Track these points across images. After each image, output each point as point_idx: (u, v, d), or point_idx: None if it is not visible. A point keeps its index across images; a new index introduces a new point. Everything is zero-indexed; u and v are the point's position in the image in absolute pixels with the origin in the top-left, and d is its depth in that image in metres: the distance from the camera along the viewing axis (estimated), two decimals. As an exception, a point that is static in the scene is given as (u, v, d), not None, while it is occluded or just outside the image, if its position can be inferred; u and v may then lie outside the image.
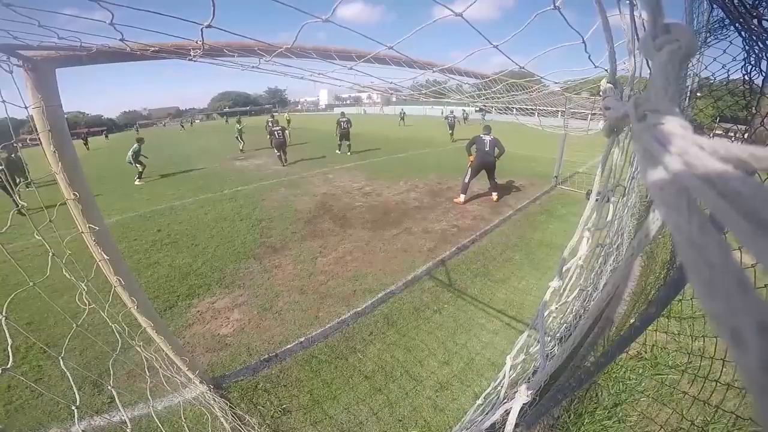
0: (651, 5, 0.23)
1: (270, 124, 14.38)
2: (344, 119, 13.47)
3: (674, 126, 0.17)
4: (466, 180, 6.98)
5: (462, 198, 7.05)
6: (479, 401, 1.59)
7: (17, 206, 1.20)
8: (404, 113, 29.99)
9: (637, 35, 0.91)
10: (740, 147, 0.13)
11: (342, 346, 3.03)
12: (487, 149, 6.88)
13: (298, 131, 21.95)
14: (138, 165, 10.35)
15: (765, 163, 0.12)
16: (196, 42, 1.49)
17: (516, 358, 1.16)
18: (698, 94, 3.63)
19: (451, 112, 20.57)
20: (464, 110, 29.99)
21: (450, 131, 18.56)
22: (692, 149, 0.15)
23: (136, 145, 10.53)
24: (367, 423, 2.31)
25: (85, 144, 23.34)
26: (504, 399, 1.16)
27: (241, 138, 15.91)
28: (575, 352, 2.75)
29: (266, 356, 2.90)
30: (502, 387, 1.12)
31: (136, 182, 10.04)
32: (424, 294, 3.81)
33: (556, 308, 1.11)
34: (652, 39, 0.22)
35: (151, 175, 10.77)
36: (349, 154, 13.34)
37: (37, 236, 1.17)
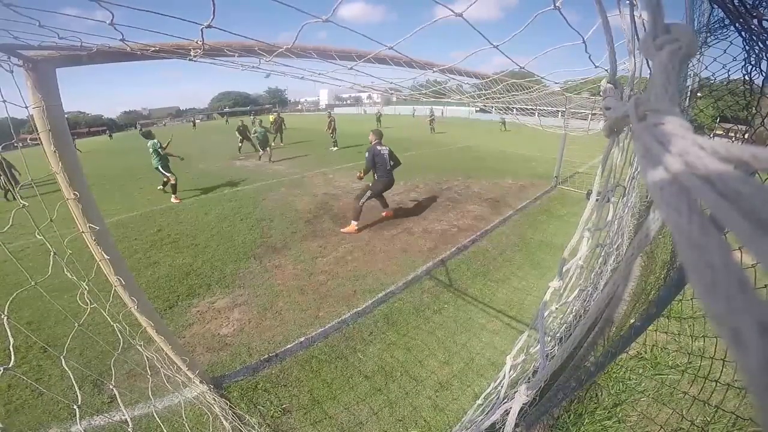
0: (651, 5, 0.23)
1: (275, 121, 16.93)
2: (330, 118, 15.95)
3: (675, 126, 0.17)
4: (361, 203, 5.57)
5: (355, 225, 5.60)
6: (479, 401, 1.59)
7: (20, 204, 1.20)
8: (381, 114, 26.77)
9: (637, 35, 0.91)
10: (741, 147, 0.13)
11: (342, 346, 3.03)
12: (388, 167, 5.62)
13: (290, 131, 21.84)
14: (167, 174, 7.73)
15: (765, 164, 0.12)
16: (196, 42, 1.49)
17: (516, 358, 1.16)
18: (699, 95, 3.62)
19: (431, 111, 24.71)
20: (432, 109, 34.48)
21: (430, 126, 22.78)
22: (693, 149, 0.15)
23: (151, 141, 7.74)
24: (368, 423, 2.31)
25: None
26: (504, 399, 1.16)
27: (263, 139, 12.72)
28: (575, 352, 2.75)
29: (266, 356, 2.90)
30: (502, 387, 1.12)
31: (173, 200, 7.56)
32: (424, 294, 3.81)
33: (557, 308, 1.11)
34: (653, 39, 0.22)
35: (149, 175, 10.71)
36: (336, 149, 15.27)
37: (38, 236, 1.17)
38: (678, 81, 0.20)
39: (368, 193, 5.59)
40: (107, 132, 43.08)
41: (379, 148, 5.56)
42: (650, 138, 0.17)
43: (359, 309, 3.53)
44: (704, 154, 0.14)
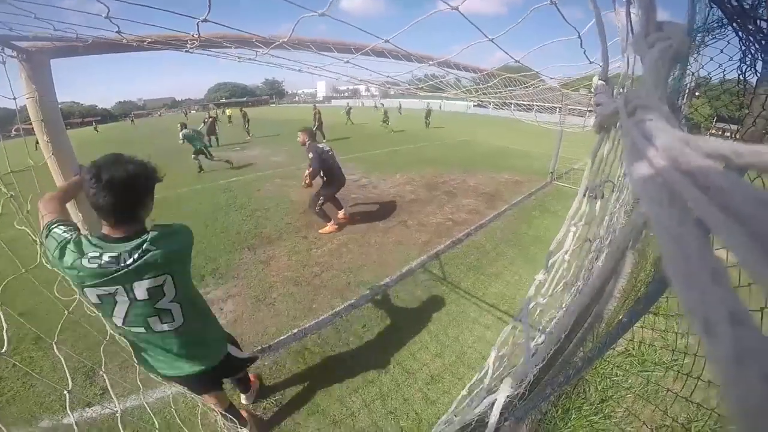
0: (645, 3, 0.23)
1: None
2: (315, 110, 15.52)
3: (662, 122, 0.17)
4: (318, 209, 5.12)
5: (333, 225, 5.27)
6: (464, 392, 1.61)
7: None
8: (350, 107, 23.62)
9: (632, 32, 0.91)
10: (723, 143, 0.14)
11: (335, 338, 3.04)
12: (339, 166, 5.16)
13: (290, 123, 21.67)
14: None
15: (745, 159, 0.12)
16: (192, 35, 1.47)
17: (500, 350, 1.17)
18: (696, 93, 3.64)
19: (428, 104, 23.82)
20: (400, 102, 36.42)
21: (426, 120, 21.67)
22: (677, 145, 0.15)
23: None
24: (360, 414, 2.34)
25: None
26: (489, 390, 1.17)
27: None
28: (563, 347, 2.79)
29: (259, 348, 2.91)
30: (486, 378, 1.13)
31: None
32: (418, 287, 3.83)
33: (544, 302, 1.12)
34: (645, 36, 0.22)
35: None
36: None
37: (17, 226, 1.16)
38: (668, 78, 0.20)
39: (321, 199, 5.07)
40: (93, 124, 39.43)
41: (321, 146, 4.93)
42: (637, 133, 0.17)
43: (353, 301, 3.55)
44: (688, 150, 0.14)
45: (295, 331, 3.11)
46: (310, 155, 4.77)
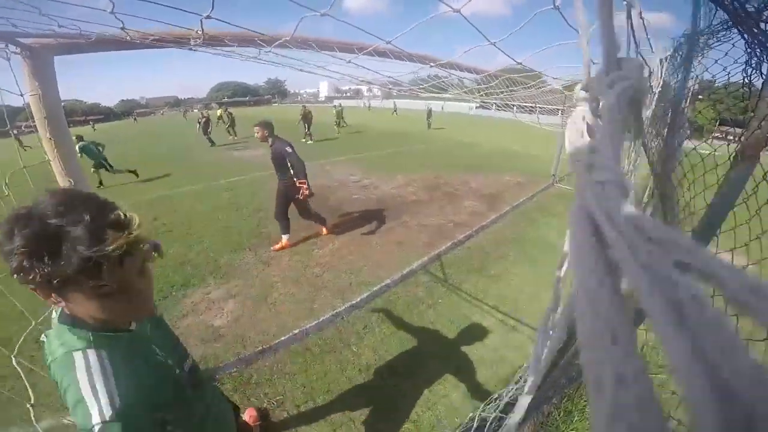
0: (606, 35, 0.22)
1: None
2: (304, 110, 15.46)
3: (614, 188, 0.17)
4: (314, 211, 4.87)
5: (324, 229, 5.15)
6: (484, 406, 1.61)
7: None
8: (340, 107, 20.21)
9: (634, 38, 0.90)
10: (671, 232, 0.14)
11: (336, 339, 3.05)
12: None
13: (292, 124, 21.68)
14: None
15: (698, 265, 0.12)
16: (196, 32, 1.48)
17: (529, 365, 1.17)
18: (699, 97, 3.61)
19: (428, 105, 23.41)
20: (395, 102, 36.69)
21: (428, 120, 21.80)
22: (621, 220, 0.15)
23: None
24: (360, 417, 2.35)
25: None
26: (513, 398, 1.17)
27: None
28: (566, 348, 2.77)
29: (260, 348, 2.92)
30: (522, 389, 1.14)
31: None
32: (419, 288, 3.84)
33: (560, 309, 1.11)
34: (606, 74, 0.22)
35: (143, 163, 10.61)
36: (311, 142, 14.98)
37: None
38: (624, 126, 0.20)
39: (308, 203, 4.65)
40: (91, 123, 38.33)
41: (288, 141, 4.22)
42: (590, 195, 0.17)
43: (354, 302, 3.55)
44: (633, 230, 0.14)
45: (296, 331, 3.12)
46: (288, 149, 4.06)
